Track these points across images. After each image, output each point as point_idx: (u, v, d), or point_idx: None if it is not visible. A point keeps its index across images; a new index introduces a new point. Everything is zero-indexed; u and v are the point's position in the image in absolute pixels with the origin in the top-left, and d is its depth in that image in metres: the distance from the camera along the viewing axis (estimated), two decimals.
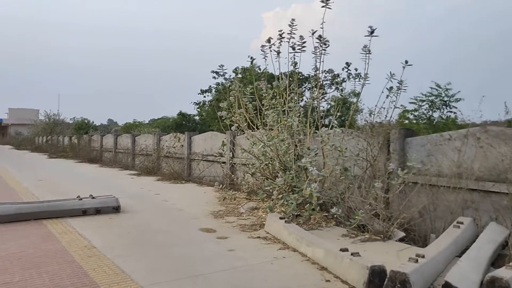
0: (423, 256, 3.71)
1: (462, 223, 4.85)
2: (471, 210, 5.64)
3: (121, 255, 4.59)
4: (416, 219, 5.81)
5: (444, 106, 9.32)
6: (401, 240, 5.24)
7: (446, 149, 6.05)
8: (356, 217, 5.35)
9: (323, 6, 6.66)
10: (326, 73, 7.39)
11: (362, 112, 9.60)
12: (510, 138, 5.32)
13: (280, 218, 5.57)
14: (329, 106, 12.18)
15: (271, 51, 7.38)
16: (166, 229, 5.95)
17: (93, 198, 7.05)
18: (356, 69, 7.20)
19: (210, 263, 4.37)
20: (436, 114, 9.31)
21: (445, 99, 9.39)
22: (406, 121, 10.12)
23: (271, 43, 7.35)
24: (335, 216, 5.78)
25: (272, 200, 6.65)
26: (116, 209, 6.99)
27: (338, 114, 7.10)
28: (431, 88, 9.48)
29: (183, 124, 27.65)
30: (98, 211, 6.80)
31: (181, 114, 29.01)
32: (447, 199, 5.76)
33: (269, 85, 7.51)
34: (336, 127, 6.76)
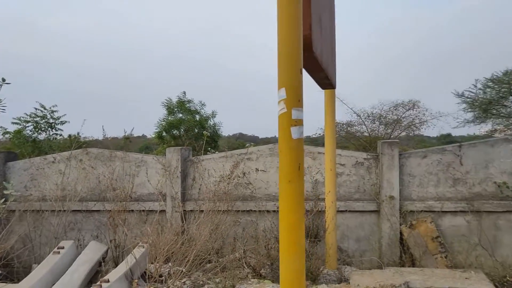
0: None
1: (63, 247, 4.83)
2: (76, 231, 5.76)
3: None
4: (18, 250, 5.38)
5: (50, 128, 9.20)
6: None
7: (50, 172, 5.93)
8: None
9: None
10: None
11: None
12: (107, 159, 5.80)
13: None
14: None
15: None
16: None
17: None
18: None
19: None
20: (42, 136, 9.06)
21: (51, 120, 9.31)
22: (18, 141, 9.27)
23: None
24: None
25: None
26: None
27: None
28: (36, 108, 9.12)
29: None
30: None
31: None
32: (52, 223, 5.65)
33: None
34: None
